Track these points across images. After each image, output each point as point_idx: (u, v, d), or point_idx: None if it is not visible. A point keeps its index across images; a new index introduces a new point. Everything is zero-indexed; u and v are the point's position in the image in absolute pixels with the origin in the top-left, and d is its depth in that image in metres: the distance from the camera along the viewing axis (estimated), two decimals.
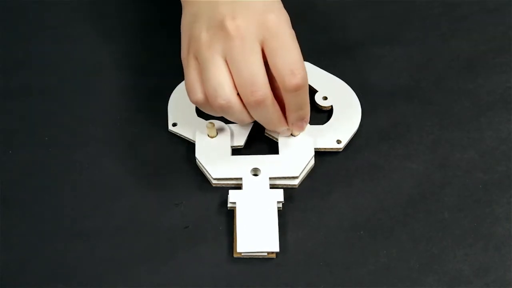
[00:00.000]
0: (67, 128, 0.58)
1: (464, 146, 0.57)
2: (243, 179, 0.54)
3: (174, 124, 0.57)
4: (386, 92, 0.60)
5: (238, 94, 0.49)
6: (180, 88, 0.59)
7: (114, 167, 0.55)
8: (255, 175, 0.54)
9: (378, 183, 0.55)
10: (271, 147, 0.56)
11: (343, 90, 0.60)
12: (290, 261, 0.51)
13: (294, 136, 0.55)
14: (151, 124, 0.58)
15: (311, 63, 0.62)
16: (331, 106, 0.59)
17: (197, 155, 0.55)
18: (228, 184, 0.54)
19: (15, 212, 0.53)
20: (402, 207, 0.54)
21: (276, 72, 0.49)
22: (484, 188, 0.55)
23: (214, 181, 0.54)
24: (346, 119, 0.58)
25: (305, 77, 0.49)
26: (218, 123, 0.56)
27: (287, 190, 0.54)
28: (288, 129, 0.54)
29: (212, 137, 0.56)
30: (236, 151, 0.56)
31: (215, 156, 0.55)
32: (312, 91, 0.60)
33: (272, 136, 0.57)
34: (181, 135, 0.57)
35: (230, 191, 0.53)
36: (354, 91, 0.59)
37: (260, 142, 0.57)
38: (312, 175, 0.55)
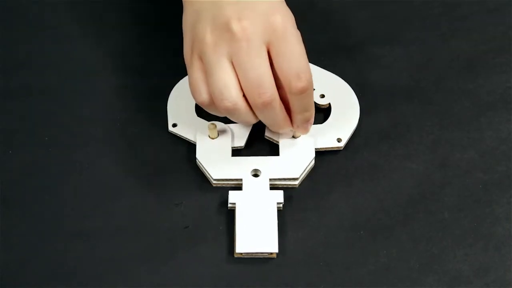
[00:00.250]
0: (67, 128, 0.58)
1: (464, 146, 0.57)
2: (243, 180, 0.54)
3: (174, 125, 0.57)
4: (386, 92, 0.60)
5: (243, 95, 0.49)
6: (179, 88, 0.59)
7: (114, 167, 0.55)
8: (256, 176, 0.54)
9: (378, 183, 0.55)
10: (272, 149, 0.56)
11: (340, 86, 0.59)
12: (290, 261, 0.51)
13: (296, 137, 0.55)
14: (151, 124, 0.58)
15: (311, 62, 0.62)
16: (329, 104, 0.59)
17: (197, 156, 0.55)
18: (228, 184, 0.54)
19: (15, 212, 0.53)
20: (402, 207, 0.54)
21: (282, 75, 0.49)
22: (484, 188, 0.55)
23: (214, 182, 0.54)
24: (345, 116, 0.58)
25: (310, 81, 0.49)
26: (219, 125, 0.56)
27: (287, 190, 0.54)
28: (291, 130, 0.54)
29: (213, 138, 0.56)
30: (236, 152, 0.56)
31: (216, 157, 0.55)
32: None
33: (273, 139, 0.57)
34: (181, 135, 0.57)
35: (230, 192, 0.53)
36: (354, 91, 0.59)
37: (261, 143, 0.57)
38: (312, 175, 0.55)
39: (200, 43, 0.49)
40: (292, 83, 0.48)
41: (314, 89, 0.59)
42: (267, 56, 0.49)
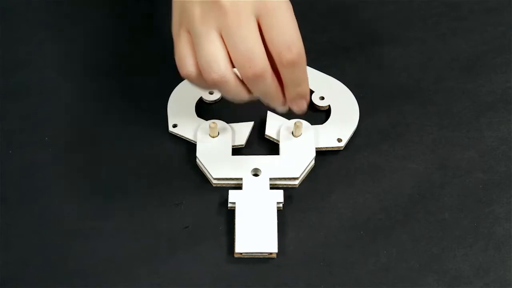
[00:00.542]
0: (67, 128, 0.58)
1: (464, 146, 0.57)
2: (243, 179, 0.54)
3: (175, 125, 0.57)
4: (386, 92, 0.60)
5: (234, 68, 0.48)
6: (179, 88, 0.60)
7: (114, 167, 0.55)
8: (256, 175, 0.54)
9: (378, 183, 0.55)
10: (272, 148, 0.57)
11: (339, 89, 0.60)
12: (290, 261, 0.51)
13: (296, 136, 0.55)
14: (151, 125, 0.58)
15: (311, 63, 0.62)
16: (329, 105, 0.59)
17: (198, 154, 0.55)
18: (228, 184, 0.54)
19: (15, 212, 0.53)
20: (402, 207, 0.54)
21: (272, 47, 0.48)
22: (484, 188, 0.55)
23: (214, 181, 0.54)
24: (345, 117, 0.58)
25: (301, 53, 0.48)
26: (220, 123, 0.56)
27: (287, 190, 0.54)
28: (285, 105, 0.51)
29: (213, 137, 0.56)
30: (236, 151, 0.56)
31: (216, 156, 0.55)
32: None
33: (273, 138, 0.57)
34: (182, 136, 0.57)
35: (230, 191, 0.53)
36: (354, 91, 0.60)
37: (261, 142, 0.57)
38: (312, 175, 0.55)
39: (188, 16, 0.48)
40: (282, 55, 0.48)
41: (313, 92, 0.59)
42: (257, 28, 0.47)
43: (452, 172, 0.55)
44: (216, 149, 0.55)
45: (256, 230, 0.51)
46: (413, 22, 0.65)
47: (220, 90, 0.50)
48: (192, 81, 0.50)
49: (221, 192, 0.54)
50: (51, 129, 0.58)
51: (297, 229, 0.52)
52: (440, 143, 0.57)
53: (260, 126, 0.58)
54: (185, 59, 0.49)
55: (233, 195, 0.53)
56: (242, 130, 0.57)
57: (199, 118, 0.58)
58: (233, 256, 0.51)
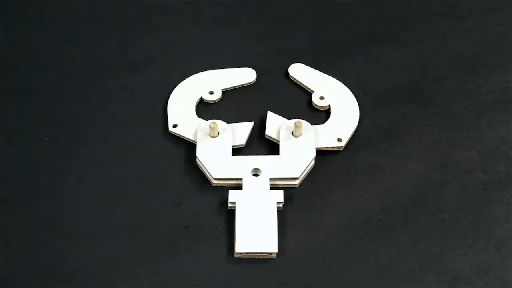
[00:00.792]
0: (67, 128, 0.58)
1: (464, 146, 0.57)
2: (243, 179, 0.54)
3: (175, 126, 0.57)
4: (386, 92, 0.60)
5: None
6: (179, 88, 0.60)
7: (114, 167, 0.55)
8: (256, 175, 0.54)
9: (378, 183, 0.55)
10: (272, 148, 0.57)
11: (339, 89, 0.60)
12: (290, 261, 0.51)
13: (296, 136, 0.55)
14: (151, 125, 0.58)
15: (311, 63, 0.62)
16: (329, 105, 0.59)
17: (198, 155, 0.55)
18: (228, 184, 0.54)
19: (15, 212, 0.53)
20: (402, 207, 0.54)
21: None
22: (484, 188, 0.55)
23: (214, 181, 0.54)
24: (345, 117, 0.58)
25: None
26: (220, 124, 0.56)
27: (287, 190, 0.54)
28: None
29: (213, 137, 0.56)
30: (236, 151, 0.56)
31: (216, 156, 0.55)
32: (309, 92, 0.60)
33: (273, 138, 0.57)
34: (182, 136, 0.57)
35: (230, 191, 0.53)
36: (355, 91, 0.60)
37: (261, 142, 0.57)
38: (312, 175, 0.55)
39: None
40: None
41: (313, 92, 0.59)
42: None
43: (452, 172, 0.55)
44: (216, 149, 0.55)
45: (256, 230, 0.51)
46: (413, 22, 0.66)
47: None
48: None
49: (221, 192, 0.54)
50: (51, 129, 0.58)
51: (297, 229, 0.52)
52: (440, 143, 0.57)
53: (260, 126, 0.58)
54: None
55: (233, 195, 0.53)
56: (242, 130, 0.57)
57: (199, 118, 0.58)
58: (233, 256, 0.51)
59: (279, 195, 0.53)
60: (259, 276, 0.50)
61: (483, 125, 0.58)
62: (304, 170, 0.54)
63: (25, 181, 0.55)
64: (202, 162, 0.54)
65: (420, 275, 0.50)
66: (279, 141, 0.56)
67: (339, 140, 0.56)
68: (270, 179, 0.54)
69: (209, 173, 0.54)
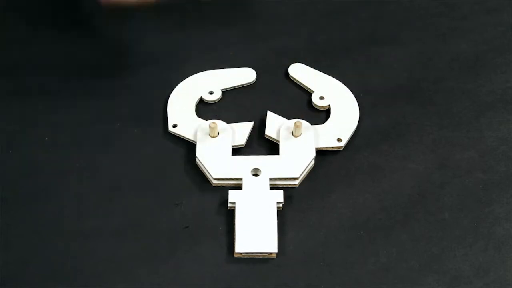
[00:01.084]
0: (67, 128, 0.58)
1: (464, 146, 0.57)
2: (243, 179, 0.54)
3: (175, 125, 0.57)
4: (386, 92, 0.60)
5: None
6: (179, 88, 0.60)
7: (114, 167, 0.55)
8: (256, 175, 0.54)
9: (378, 183, 0.55)
10: (272, 148, 0.57)
11: (339, 89, 0.60)
12: (290, 261, 0.51)
13: (296, 136, 0.55)
14: (151, 125, 0.58)
15: (311, 63, 0.62)
16: (329, 105, 0.59)
17: (198, 155, 0.55)
18: (228, 184, 0.54)
19: (15, 212, 0.53)
20: (402, 207, 0.54)
21: None
22: (484, 188, 0.55)
23: (214, 181, 0.54)
24: (345, 117, 0.58)
25: None
26: (220, 124, 0.56)
27: (287, 190, 0.54)
28: None
29: (213, 137, 0.56)
30: (236, 151, 0.56)
31: (216, 156, 0.55)
32: (309, 92, 0.60)
33: (273, 138, 0.57)
34: (182, 136, 0.57)
35: (230, 191, 0.53)
36: (354, 91, 0.60)
37: (261, 142, 0.57)
38: (312, 175, 0.55)
39: None
40: None
41: (313, 92, 0.59)
42: None
43: (452, 172, 0.55)
44: (216, 149, 0.55)
45: (256, 230, 0.51)
46: (413, 22, 0.66)
47: None
48: None
49: (221, 192, 0.54)
50: (51, 129, 0.58)
51: (297, 229, 0.52)
52: (440, 143, 0.57)
53: (260, 126, 0.58)
54: None
55: (233, 195, 0.53)
56: (242, 130, 0.57)
57: (199, 118, 0.58)
58: (233, 256, 0.51)
59: (279, 195, 0.53)
60: (259, 276, 0.50)
61: (483, 125, 0.58)
62: (304, 170, 0.54)
63: (25, 181, 0.55)
64: (202, 162, 0.54)
65: (420, 275, 0.50)
66: (279, 141, 0.56)
67: (339, 140, 0.56)
68: (270, 179, 0.54)
69: (209, 173, 0.54)
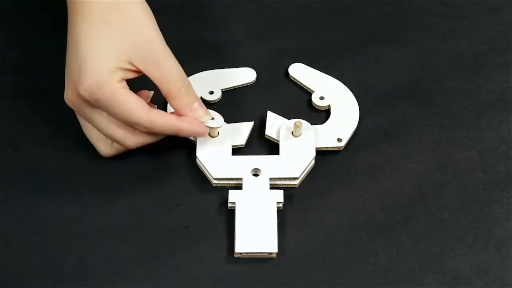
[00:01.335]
0: (67, 128, 0.58)
1: (464, 146, 0.57)
2: (243, 179, 0.54)
3: None
4: (386, 92, 0.60)
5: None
6: None
7: (114, 167, 0.55)
8: (256, 175, 0.54)
9: (378, 183, 0.55)
10: (272, 148, 0.57)
11: (339, 89, 0.60)
12: (290, 261, 0.51)
13: (296, 136, 0.55)
14: None
15: (311, 63, 0.62)
16: (329, 105, 0.59)
17: (198, 154, 0.55)
18: (228, 184, 0.54)
19: (15, 212, 0.53)
20: (402, 207, 0.54)
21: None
22: (484, 188, 0.55)
23: (214, 181, 0.54)
24: (345, 117, 0.58)
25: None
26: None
27: (287, 190, 0.54)
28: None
29: (213, 137, 0.56)
30: (236, 151, 0.56)
31: (216, 156, 0.55)
32: (309, 92, 0.60)
33: (273, 138, 0.57)
34: None
35: (230, 191, 0.53)
36: (354, 91, 0.60)
37: (261, 142, 0.57)
38: (312, 175, 0.55)
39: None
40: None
41: (313, 92, 0.59)
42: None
43: (452, 172, 0.55)
44: (216, 149, 0.55)
45: (256, 230, 0.51)
46: (413, 22, 0.66)
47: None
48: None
49: (221, 192, 0.54)
50: (51, 129, 0.58)
51: (297, 229, 0.52)
52: (440, 143, 0.57)
53: (260, 126, 0.58)
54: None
55: (233, 195, 0.53)
56: (242, 130, 0.57)
57: None
58: (233, 256, 0.51)
59: (279, 195, 0.53)
60: (259, 276, 0.50)
61: (483, 125, 0.58)
62: (304, 170, 0.54)
63: (25, 181, 0.55)
64: (202, 162, 0.54)
65: (420, 275, 0.50)
66: (279, 141, 0.56)
67: (339, 140, 0.56)
68: (270, 179, 0.54)
69: (209, 173, 0.54)
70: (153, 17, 0.52)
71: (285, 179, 0.54)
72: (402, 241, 0.52)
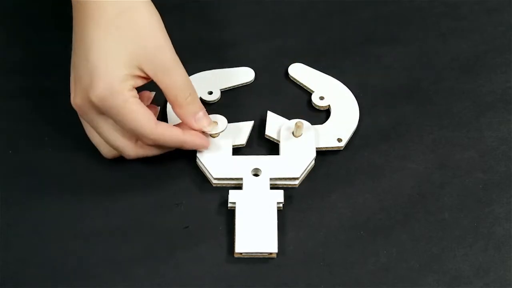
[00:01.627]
0: (67, 128, 0.58)
1: (464, 146, 0.57)
2: (243, 179, 0.54)
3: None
4: (386, 92, 0.60)
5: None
6: None
7: (114, 167, 0.55)
8: (256, 175, 0.54)
9: (378, 183, 0.55)
10: (272, 148, 0.57)
11: (339, 89, 0.60)
12: (290, 261, 0.51)
13: (297, 137, 0.56)
14: None
15: (311, 63, 0.62)
16: (329, 105, 0.59)
17: (198, 154, 0.55)
18: (228, 184, 0.54)
19: (15, 212, 0.53)
20: (402, 207, 0.54)
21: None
22: (484, 188, 0.55)
23: (214, 181, 0.54)
24: (345, 117, 0.58)
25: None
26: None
27: (287, 190, 0.54)
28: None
29: (214, 137, 0.56)
30: (237, 151, 0.56)
31: (216, 156, 0.55)
32: (308, 92, 0.60)
33: (273, 138, 0.57)
34: None
35: (230, 191, 0.53)
36: (354, 91, 0.60)
37: (261, 142, 0.57)
38: (312, 175, 0.55)
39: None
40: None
41: (313, 92, 0.59)
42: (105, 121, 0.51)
43: (452, 172, 0.55)
44: (216, 149, 0.55)
45: (256, 230, 0.51)
46: (413, 22, 0.66)
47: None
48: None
49: (221, 192, 0.54)
50: (51, 129, 0.58)
51: (297, 229, 0.52)
52: (440, 143, 0.57)
53: (260, 126, 0.58)
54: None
55: (233, 195, 0.53)
56: (242, 130, 0.57)
57: None
58: (233, 256, 0.51)
59: (279, 195, 0.53)
60: (259, 276, 0.50)
61: (483, 125, 0.58)
62: (304, 170, 0.54)
63: (25, 181, 0.55)
64: (202, 162, 0.54)
65: (420, 275, 0.50)
66: (279, 141, 0.56)
67: (339, 140, 0.56)
68: (270, 179, 0.54)
69: (209, 173, 0.54)
70: (161, 21, 0.51)
71: (285, 179, 0.54)
72: (402, 241, 0.52)
